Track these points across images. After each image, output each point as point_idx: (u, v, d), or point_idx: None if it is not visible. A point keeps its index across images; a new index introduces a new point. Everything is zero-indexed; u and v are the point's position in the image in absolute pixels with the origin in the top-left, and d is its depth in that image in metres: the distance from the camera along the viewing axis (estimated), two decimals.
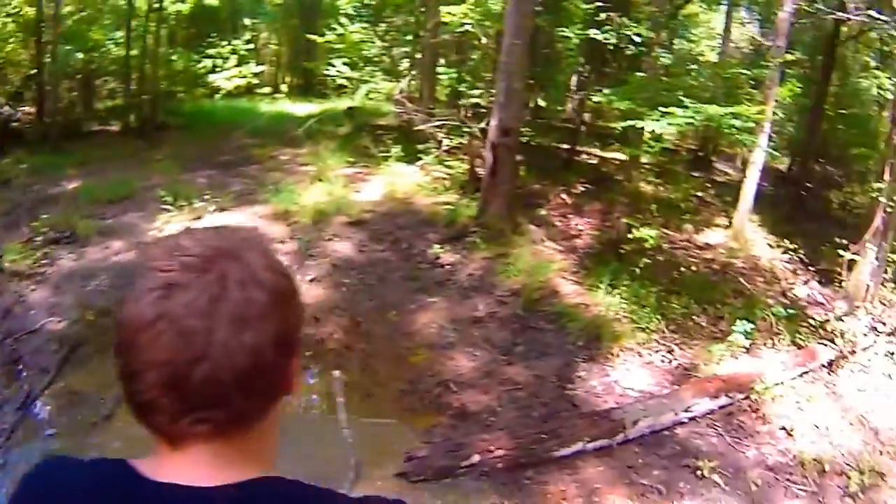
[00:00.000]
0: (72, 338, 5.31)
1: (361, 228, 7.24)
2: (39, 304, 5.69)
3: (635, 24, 7.65)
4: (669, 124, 5.65)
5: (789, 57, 8.15)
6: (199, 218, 7.08)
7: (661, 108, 5.93)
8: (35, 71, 10.92)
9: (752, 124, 6.72)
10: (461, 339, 5.63)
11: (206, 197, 7.48)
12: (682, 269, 6.61)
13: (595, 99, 7.36)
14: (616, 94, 7.14)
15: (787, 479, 4.68)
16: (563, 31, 8.40)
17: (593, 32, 7.67)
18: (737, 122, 6.33)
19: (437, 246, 6.85)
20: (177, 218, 7.05)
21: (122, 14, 12.01)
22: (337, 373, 4.64)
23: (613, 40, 7.63)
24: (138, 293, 0.77)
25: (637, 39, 7.65)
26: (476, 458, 4.45)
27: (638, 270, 6.04)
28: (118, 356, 0.78)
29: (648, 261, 6.14)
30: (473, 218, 7.20)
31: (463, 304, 6.03)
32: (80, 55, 11.45)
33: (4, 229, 6.88)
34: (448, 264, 6.63)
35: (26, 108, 11.17)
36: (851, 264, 6.85)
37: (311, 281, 6.21)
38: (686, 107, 5.96)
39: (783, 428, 5.02)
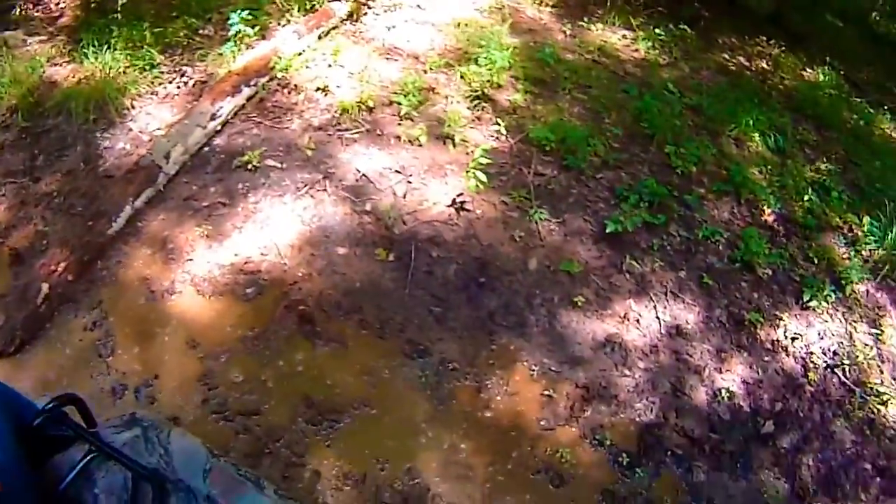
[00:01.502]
0: None
1: None
2: None
3: None
4: None
5: None
6: None
7: None
8: None
9: None
10: None
11: None
12: None
13: None
14: None
15: (339, 130, 4.85)
16: None
17: None
18: None
19: None
20: None
21: None
22: None
23: None
24: None
25: None
26: (45, 287, 4.13)
27: (119, 16, 5.51)
28: None
29: (126, 1, 5.61)
30: None
31: None
32: None
33: None
34: None
35: None
36: None
37: None
38: None
39: (318, 89, 5.09)
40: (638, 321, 4.42)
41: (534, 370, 4.12)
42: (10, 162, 5.00)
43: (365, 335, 4.02)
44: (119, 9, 5.56)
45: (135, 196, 4.38)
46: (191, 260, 4.17)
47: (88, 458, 1.84)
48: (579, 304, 4.34)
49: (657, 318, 4.46)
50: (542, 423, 4.03)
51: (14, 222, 4.66)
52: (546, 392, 4.10)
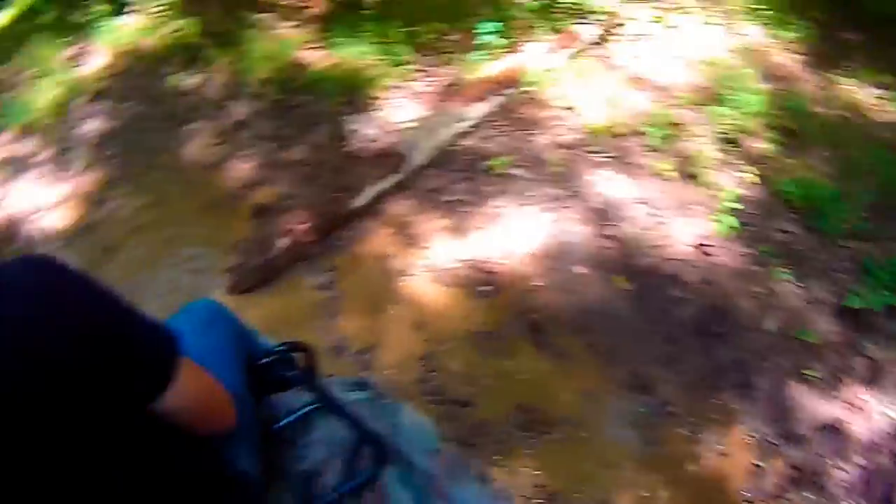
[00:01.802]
0: None
1: (104, 97, 6.42)
2: None
3: None
4: None
5: None
6: None
7: None
8: None
9: None
10: (235, 147, 5.28)
11: None
12: None
13: None
14: None
15: (587, 152, 4.84)
16: None
17: None
18: None
19: (182, 74, 6.31)
20: None
21: None
22: None
23: None
24: None
25: None
26: (285, 241, 4.34)
27: (376, 12, 5.77)
28: None
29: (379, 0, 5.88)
30: (200, 33, 6.60)
31: (222, 116, 5.61)
32: None
33: None
34: (196, 87, 6.13)
35: None
36: None
37: (83, 171, 5.54)
38: None
39: (567, 107, 5.13)
40: (863, 411, 4.14)
41: (751, 436, 3.90)
42: (261, 128, 5.30)
43: (591, 357, 3.93)
44: (372, 5, 5.82)
45: (379, 178, 4.51)
46: (428, 248, 4.24)
47: (312, 406, 1.84)
48: (809, 377, 4.09)
49: (884, 413, 4.16)
50: (745, 493, 3.79)
51: (260, 180, 4.93)
52: (757, 462, 3.86)
